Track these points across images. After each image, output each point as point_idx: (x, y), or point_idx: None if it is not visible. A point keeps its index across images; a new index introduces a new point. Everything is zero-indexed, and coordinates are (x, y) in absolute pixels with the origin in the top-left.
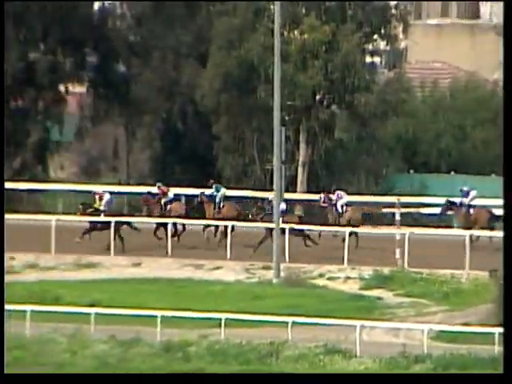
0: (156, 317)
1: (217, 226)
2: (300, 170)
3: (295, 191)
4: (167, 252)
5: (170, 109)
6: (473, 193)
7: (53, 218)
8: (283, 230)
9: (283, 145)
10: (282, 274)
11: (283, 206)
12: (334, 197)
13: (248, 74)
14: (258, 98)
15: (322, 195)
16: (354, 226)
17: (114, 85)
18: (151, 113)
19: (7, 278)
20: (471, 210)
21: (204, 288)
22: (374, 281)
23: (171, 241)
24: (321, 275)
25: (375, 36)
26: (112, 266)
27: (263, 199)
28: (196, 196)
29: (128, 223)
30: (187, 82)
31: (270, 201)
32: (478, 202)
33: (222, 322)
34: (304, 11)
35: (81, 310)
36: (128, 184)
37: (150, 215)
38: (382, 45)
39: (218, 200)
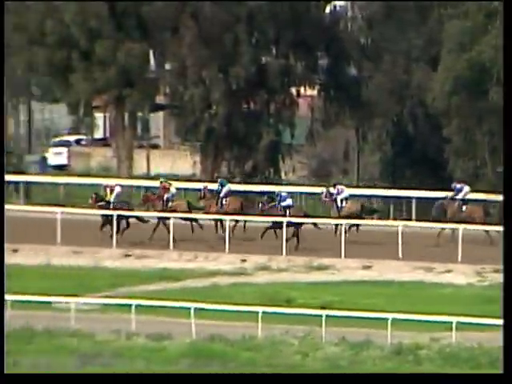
0: (387, 319)
1: (221, 221)
2: None
3: None
4: (399, 253)
5: (400, 112)
6: (466, 189)
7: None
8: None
9: None
10: None
11: (289, 200)
12: (334, 191)
13: (479, 76)
14: (490, 100)
15: (324, 190)
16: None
17: (345, 88)
18: (382, 116)
19: (240, 279)
20: (464, 206)
21: (435, 291)
22: None
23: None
24: None
25: None
26: (343, 268)
27: (270, 193)
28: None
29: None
30: (418, 85)
31: (278, 194)
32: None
33: (453, 325)
34: None
35: (312, 312)
36: (358, 186)
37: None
38: None
39: (222, 195)
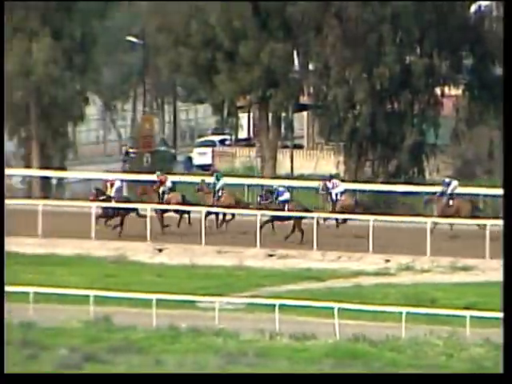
0: None
1: (217, 214)
2: None
3: None
4: None
5: None
6: (454, 183)
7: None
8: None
9: None
10: None
11: (287, 194)
12: (330, 185)
13: None
14: None
15: (321, 183)
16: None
17: (489, 87)
18: None
19: (383, 279)
20: (451, 201)
21: None
22: None
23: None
24: None
25: None
26: (487, 269)
27: (263, 186)
28: None
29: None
30: None
31: (275, 188)
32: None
33: None
34: None
35: (456, 313)
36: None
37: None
38: None
39: (217, 188)
